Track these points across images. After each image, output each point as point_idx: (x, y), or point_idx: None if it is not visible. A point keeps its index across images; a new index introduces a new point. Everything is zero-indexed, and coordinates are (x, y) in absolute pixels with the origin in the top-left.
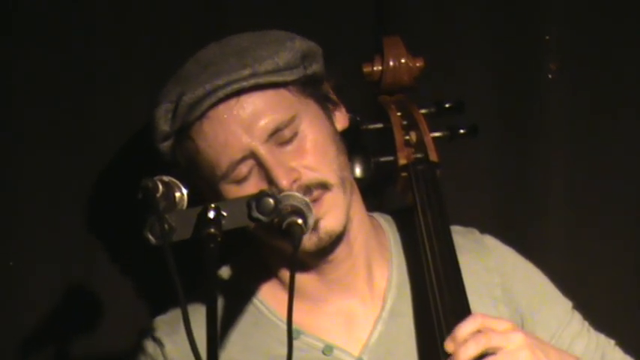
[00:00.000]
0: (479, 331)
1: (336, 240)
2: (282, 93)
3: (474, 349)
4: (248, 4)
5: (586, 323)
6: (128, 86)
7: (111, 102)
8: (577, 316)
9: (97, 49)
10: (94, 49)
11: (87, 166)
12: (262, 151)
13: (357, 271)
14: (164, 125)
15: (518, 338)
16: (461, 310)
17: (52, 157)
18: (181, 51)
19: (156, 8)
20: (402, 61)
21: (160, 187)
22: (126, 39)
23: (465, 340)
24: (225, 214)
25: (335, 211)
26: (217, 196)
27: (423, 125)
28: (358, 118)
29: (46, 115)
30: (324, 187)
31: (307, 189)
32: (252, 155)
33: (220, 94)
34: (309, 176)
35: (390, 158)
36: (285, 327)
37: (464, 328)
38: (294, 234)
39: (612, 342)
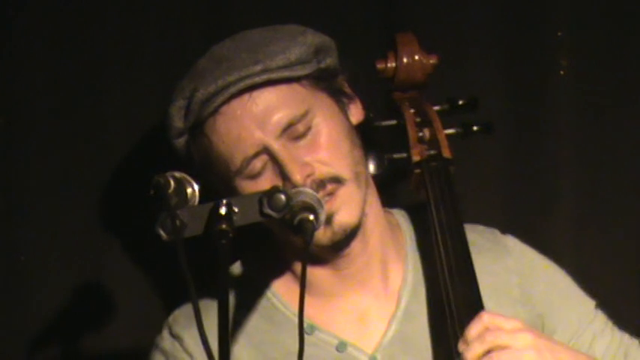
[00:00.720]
0: (487, 330)
1: (351, 234)
2: (295, 88)
3: (479, 347)
4: (257, 1)
5: (610, 322)
6: (140, 83)
7: (122, 97)
8: (600, 315)
9: (107, 45)
10: (104, 45)
11: (98, 162)
12: (276, 146)
13: (372, 268)
14: (178, 122)
15: (525, 337)
16: (474, 308)
17: (63, 153)
18: (192, 47)
19: (164, 7)
20: (416, 57)
21: (172, 183)
22: (135, 35)
23: (472, 340)
24: (236, 210)
25: (349, 205)
26: (232, 192)
27: (437, 122)
28: (372, 115)
29: (58, 111)
30: (338, 181)
31: (321, 183)
32: (266, 150)
33: (232, 89)
34: (322, 171)
35: (404, 155)
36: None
37: (471, 329)
38: (305, 230)
39: (637, 341)
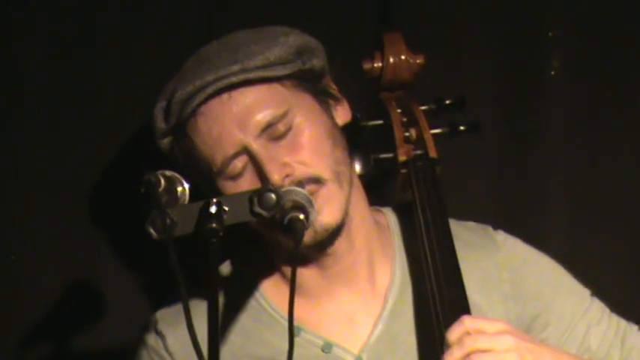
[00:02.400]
0: (467, 334)
1: (334, 234)
2: (275, 87)
3: (458, 352)
4: (249, 2)
5: (607, 310)
6: (132, 83)
7: (114, 97)
8: (596, 304)
9: (100, 47)
10: (98, 47)
11: (89, 161)
12: (255, 146)
13: (359, 268)
14: (161, 122)
15: (507, 340)
16: (459, 310)
17: (54, 153)
18: (185, 49)
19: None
20: (402, 57)
21: (162, 181)
22: (129, 36)
23: (452, 344)
24: (227, 208)
25: (330, 205)
26: (215, 193)
27: (423, 122)
28: (358, 115)
29: (49, 111)
30: (318, 181)
31: (300, 184)
32: (245, 151)
33: (209, 89)
34: (302, 171)
35: (390, 155)
36: (285, 323)
37: (452, 333)
38: (295, 229)
39: (635, 327)
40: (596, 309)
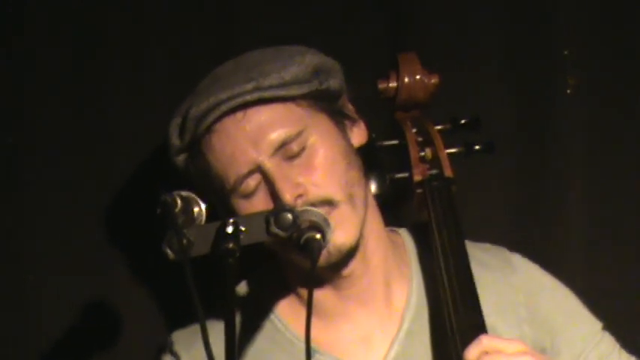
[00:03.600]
0: (486, 353)
1: (347, 255)
2: (290, 107)
3: None
4: (263, 22)
5: (617, 345)
6: (147, 102)
7: (129, 114)
8: (607, 338)
9: (113, 65)
10: (111, 65)
11: (105, 180)
12: (268, 164)
13: (375, 289)
14: (175, 139)
15: None
16: (476, 329)
17: (70, 172)
18: (200, 68)
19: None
20: (418, 77)
21: (179, 202)
22: (142, 52)
23: None
24: (243, 229)
25: (344, 226)
26: (228, 211)
27: (439, 141)
28: (373, 135)
29: (64, 129)
30: (330, 203)
31: (312, 206)
32: (259, 169)
33: (224, 107)
34: (314, 193)
35: (406, 175)
36: (301, 345)
37: (469, 353)
38: (312, 249)
39: None
40: (608, 343)
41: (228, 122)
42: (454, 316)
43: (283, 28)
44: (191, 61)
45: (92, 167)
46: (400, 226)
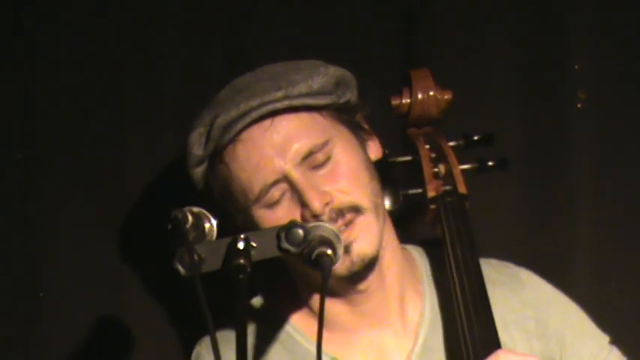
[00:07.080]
0: None
1: (369, 265)
2: (316, 117)
3: None
4: (275, 38)
5: (624, 359)
6: (160, 119)
7: (142, 133)
8: (615, 352)
9: (125, 82)
10: (123, 82)
11: (117, 198)
12: (295, 174)
13: (390, 304)
14: (198, 149)
15: None
16: (490, 344)
17: (82, 189)
18: (210, 83)
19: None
20: (431, 93)
21: (190, 217)
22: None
23: None
24: (254, 244)
25: (368, 234)
26: (249, 222)
27: (452, 157)
28: (387, 151)
29: (76, 147)
30: (357, 210)
31: (340, 212)
32: (285, 179)
33: (254, 114)
34: (341, 199)
35: (419, 190)
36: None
37: None
38: (323, 264)
39: None
40: (615, 357)
41: (255, 130)
42: (468, 332)
43: (295, 45)
44: (202, 75)
45: (103, 184)
46: (412, 241)
